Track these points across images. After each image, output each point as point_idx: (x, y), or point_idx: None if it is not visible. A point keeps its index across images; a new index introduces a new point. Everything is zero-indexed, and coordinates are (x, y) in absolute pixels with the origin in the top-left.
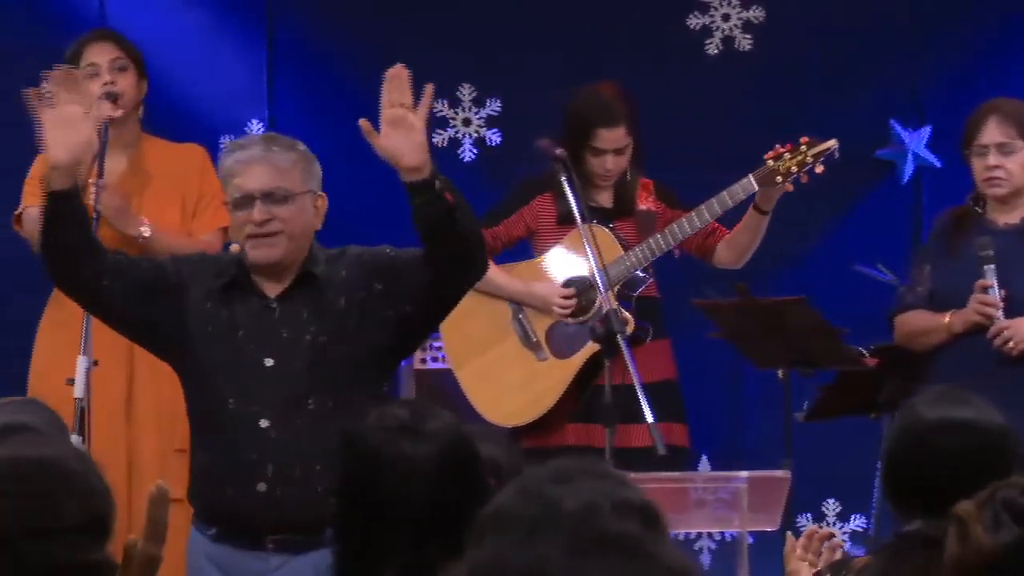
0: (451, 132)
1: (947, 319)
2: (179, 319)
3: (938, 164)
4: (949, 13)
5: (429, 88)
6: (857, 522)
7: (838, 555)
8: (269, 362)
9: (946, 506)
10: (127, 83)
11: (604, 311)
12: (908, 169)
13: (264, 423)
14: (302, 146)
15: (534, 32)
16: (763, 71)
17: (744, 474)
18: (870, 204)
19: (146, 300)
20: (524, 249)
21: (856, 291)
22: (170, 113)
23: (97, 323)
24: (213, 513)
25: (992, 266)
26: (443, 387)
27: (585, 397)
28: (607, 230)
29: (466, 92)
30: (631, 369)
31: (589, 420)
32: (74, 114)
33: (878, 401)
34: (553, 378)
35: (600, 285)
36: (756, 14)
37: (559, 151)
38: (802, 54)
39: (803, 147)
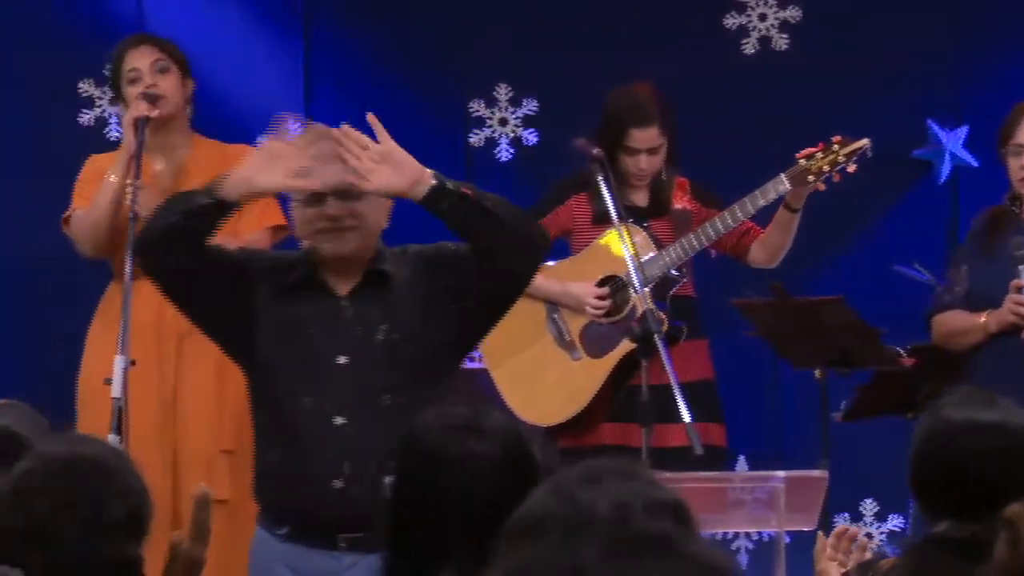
0: (488, 132)
1: (983, 319)
2: (250, 317)
3: (975, 164)
4: (986, 13)
5: (370, 116)
6: (895, 522)
7: (868, 555)
8: (342, 360)
9: (973, 508)
10: (168, 84)
11: (641, 311)
12: (945, 169)
13: (339, 420)
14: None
15: (571, 32)
16: (800, 71)
17: (781, 474)
18: (907, 204)
19: (225, 296)
20: (561, 249)
21: (893, 291)
22: (207, 113)
23: (139, 323)
24: (285, 512)
25: None
26: (478, 387)
27: (619, 397)
28: (642, 229)
29: (503, 92)
30: (668, 369)
31: (626, 420)
32: (288, 155)
33: (915, 401)
34: (587, 378)
35: (636, 284)
36: (793, 14)
37: (596, 151)
38: (839, 54)
39: (835, 146)
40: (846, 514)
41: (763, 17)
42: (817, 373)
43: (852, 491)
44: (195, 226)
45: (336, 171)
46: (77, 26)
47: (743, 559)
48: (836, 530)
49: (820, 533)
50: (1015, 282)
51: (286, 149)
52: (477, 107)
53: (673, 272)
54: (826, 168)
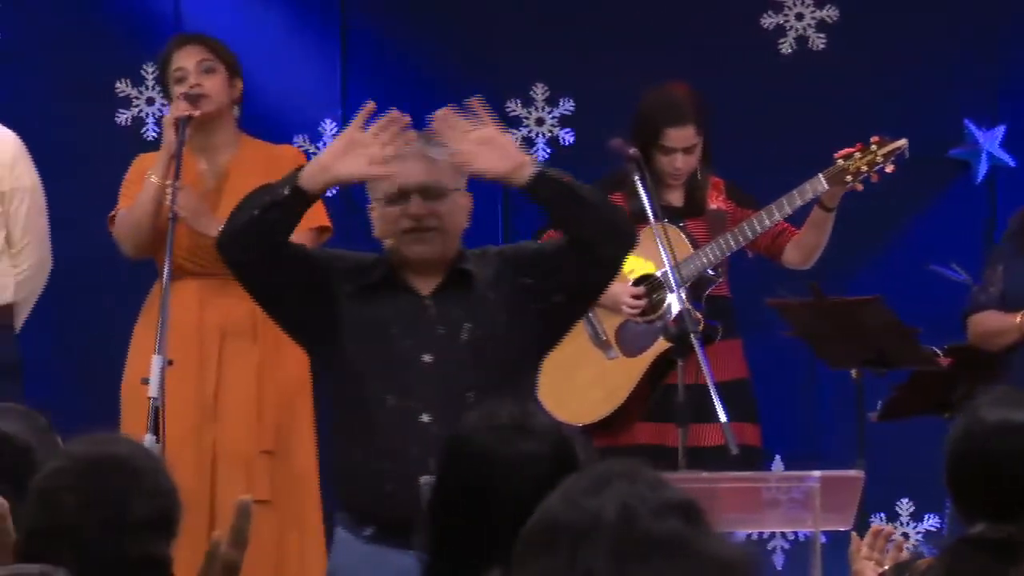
0: (524, 131)
1: (1019, 319)
2: (332, 316)
3: (1012, 163)
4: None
5: (474, 101)
6: (931, 522)
7: (904, 555)
8: (427, 358)
9: (1009, 509)
10: (213, 84)
11: (678, 310)
12: (982, 168)
13: (426, 418)
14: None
15: (607, 31)
16: (836, 71)
17: (817, 474)
18: (944, 204)
19: (307, 294)
20: None
21: (930, 291)
22: (243, 112)
23: (176, 323)
24: (370, 512)
25: None
26: None
27: (655, 396)
28: (678, 229)
29: (539, 92)
30: (704, 368)
31: (662, 419)
32: (368, 143)
33: (951, 401)
34: (623, 376)
35: (673, 284)
36: (830, 13)
37: (632, 150)
38: (875, 53)
39: (873, 147)
40: (882, 514)
41: (800, 17)
42: (853, 373)
43: (888, 491)
44: (276, 218)
45: (418, 169)
46: (114, 26)
47: (779, 559)
48: (872, 529)
49: (854, 533)
50: None
51: (366, 137)
52: (514, 106)
53: (709, 272)
54: (864, 168)
